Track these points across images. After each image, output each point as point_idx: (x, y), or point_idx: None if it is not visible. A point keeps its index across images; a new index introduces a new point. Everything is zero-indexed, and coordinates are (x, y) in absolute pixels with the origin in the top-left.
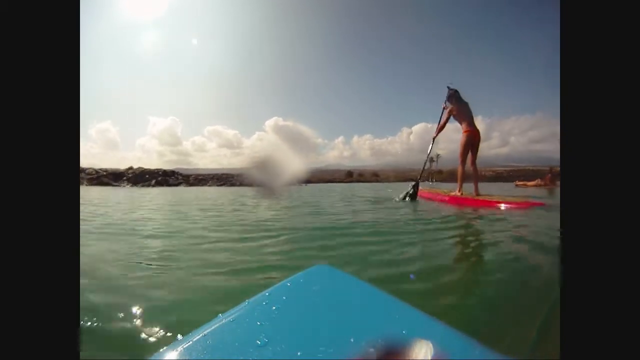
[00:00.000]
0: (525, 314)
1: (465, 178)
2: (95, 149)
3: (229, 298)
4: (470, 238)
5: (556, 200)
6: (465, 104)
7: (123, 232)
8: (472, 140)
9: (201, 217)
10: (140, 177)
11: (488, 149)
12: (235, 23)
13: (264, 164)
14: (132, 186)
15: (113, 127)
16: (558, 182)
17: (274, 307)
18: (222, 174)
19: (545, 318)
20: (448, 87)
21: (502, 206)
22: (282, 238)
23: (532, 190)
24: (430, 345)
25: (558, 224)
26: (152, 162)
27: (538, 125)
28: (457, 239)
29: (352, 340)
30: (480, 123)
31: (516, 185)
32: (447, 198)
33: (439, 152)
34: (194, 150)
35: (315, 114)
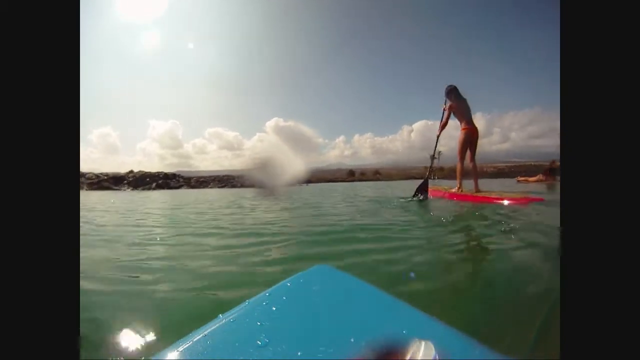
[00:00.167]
0: (525, 314)
1: (465, 174)
2: (96, 153)
3: (227, 302)
4: (469, 237)
5: (556, 195)
6: (464, 101)
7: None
8: (471, 138)
9: (195, 220)
10: (141, 181)
11: (489, 145)
12: (234, 24)
13: (265, 165)
14: (132, 190)
15: (113, 132)
16: (558, 177)
17: (274, 307)
18: (224, 176)
19: (545, 318)
20: (447, 87)
21: (501, 202)
22: (277, 244)
23: (533, 185)
24: (430, 345)
25: (557, 221)
26: (153, 166)
27: (537, 120)
28: (457, 239)
29: (352, 340)
30: (480, 119)
31: (518, 180)
32: (447, 194)
33: (440, 149)
34: (194, 152)
35: (316, 114)
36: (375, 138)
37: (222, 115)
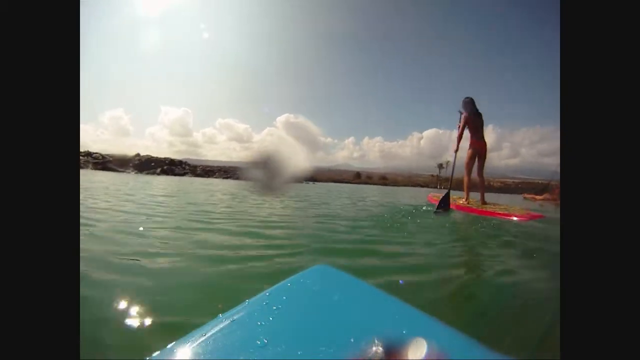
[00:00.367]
0: (525, 315)
1: (472, 187)
2: (106, 134)
3: (228, 298)
4: (472, 242)
5: (557, 214)
6: (479, 115)
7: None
8: (479, 152)
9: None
10: (146, 165)
11: (498, 159)
12: (255, 18)
13: (267, 160)
14: (136, 173)
15: (125, 115)
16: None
17: (274, 307)
18: (229, 167)
19: (545, 318)
20: (464, 99)
21: (504, 217)
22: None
23: (538, 203)
24: (431, 345)
25: (557, 233)
26: (161, 151)
27: (548, 138)
28: (460, 244)
29: (352, 340)
30: (491, 133)
31: (524, 197)
32: (453, 205)
33: (449, 159)
34: (203, 141)
35: (328, 113)
36: (385, 142)
37: (234, 106)
